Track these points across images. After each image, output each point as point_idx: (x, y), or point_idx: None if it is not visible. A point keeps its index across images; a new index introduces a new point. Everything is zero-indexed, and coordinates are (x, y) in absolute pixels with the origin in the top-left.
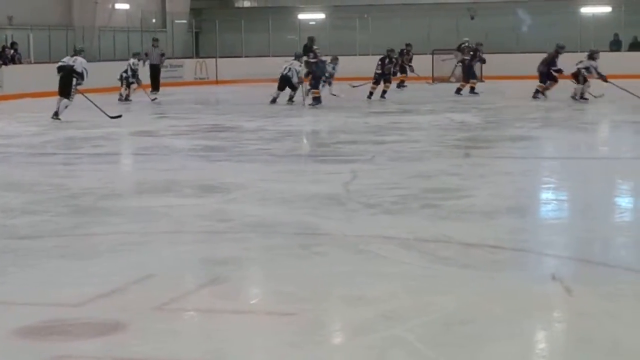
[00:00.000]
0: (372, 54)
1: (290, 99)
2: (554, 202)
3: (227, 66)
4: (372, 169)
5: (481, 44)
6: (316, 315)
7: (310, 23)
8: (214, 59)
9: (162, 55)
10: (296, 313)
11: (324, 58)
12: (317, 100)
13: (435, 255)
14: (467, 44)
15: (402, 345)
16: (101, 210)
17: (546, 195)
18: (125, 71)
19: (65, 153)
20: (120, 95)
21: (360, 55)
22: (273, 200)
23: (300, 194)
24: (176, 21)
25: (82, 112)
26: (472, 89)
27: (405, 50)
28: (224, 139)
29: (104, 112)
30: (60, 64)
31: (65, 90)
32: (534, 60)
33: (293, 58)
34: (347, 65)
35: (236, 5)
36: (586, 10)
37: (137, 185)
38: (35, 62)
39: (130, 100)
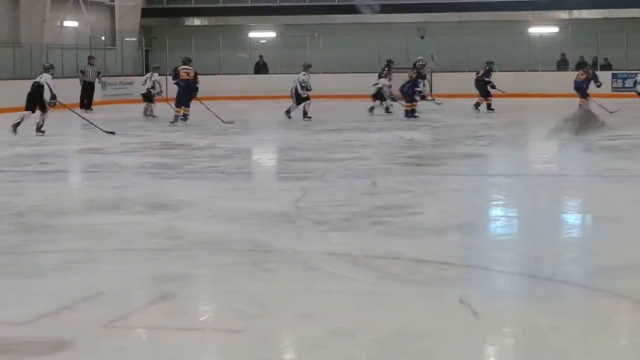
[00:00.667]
0: (323, 72)
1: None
2: (502, 219)
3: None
4: (323, 186)
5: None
6: (265, 332)
7: (261, 41)
8: (164, 77)
9: (99, 73)
10: (245, 330)
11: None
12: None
13: (384, 272)
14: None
15: None
16: (48, 227)
17: (494, 212)
18: (153, 87)
19: (12, 170)
20: (146, 109)
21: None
22: (223, 217)
23: (250, 211)
24: (126, 39)
25: (29, 129)
26: (489, 106)
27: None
28: (174, 156)
29: (98, 127)
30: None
31: (36, 106)
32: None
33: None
34: None
35: (186, 23)
36: (534, 30)
37: (86, 202)
38: None
39: (156, 116)
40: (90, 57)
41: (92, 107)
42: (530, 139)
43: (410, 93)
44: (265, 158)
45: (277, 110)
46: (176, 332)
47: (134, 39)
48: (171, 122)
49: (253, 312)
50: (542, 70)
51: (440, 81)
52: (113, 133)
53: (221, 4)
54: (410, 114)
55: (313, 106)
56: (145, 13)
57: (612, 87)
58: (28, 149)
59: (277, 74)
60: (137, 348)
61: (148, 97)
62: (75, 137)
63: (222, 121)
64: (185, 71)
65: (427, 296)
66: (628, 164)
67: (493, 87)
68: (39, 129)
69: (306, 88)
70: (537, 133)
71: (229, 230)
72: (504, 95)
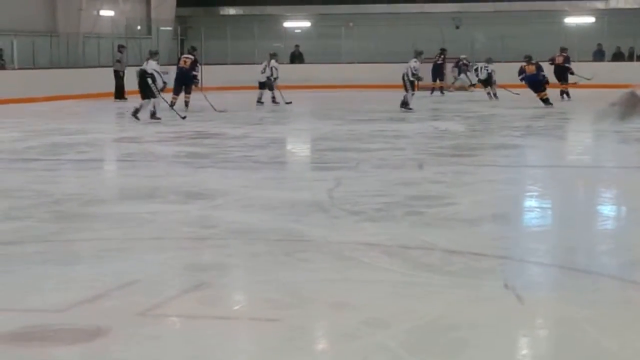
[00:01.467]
0: (358, 62)
1: None
2: (537, 210)
3: (213, 73)
4: (357, 176)
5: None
6: (300, 321)
7: (296, 31)
8: (200, 66)
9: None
10: (279, 319)
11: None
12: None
13: (418, 262)
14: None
15: (385, 352)
16: (84, 216)
17: (529, 203)
18: (271, 74)
19: (49, 159)
20: (260, 97)
21: (346, 63)
22: (257, 207)
23: (284, 201)
24: (161, 28)
25: (68, 118)
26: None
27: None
28: (208, 145)
29: (212, 106)
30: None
31: (145, 93)
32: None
33: None
34: (332, 73)
35: (221, 12)
36: (570, 20)
37: (121, 191)
38: (19, 68)
39: (278, 103)
40: (121, 46)
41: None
42: (566, 130)
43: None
44: (299, 148)
45: (312, 99)
46: (211, 321)
47: (170, 28)
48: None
49: (287, 302)
50: (579, 61)
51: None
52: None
53: None
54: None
55: (349, 96)
56: (181, 2)
57: None
58: (64, 138)
59: (311, 63)
60: (172, 336)
61: (268, 85)
62: (111, 126)
63: (215, 109)
64: (183, 59)
65: (461, 287)
66: None
67: (572, 73)
68: (153, 115)
69: (416, 76)
70: (572, 125)
71: (262, 219)
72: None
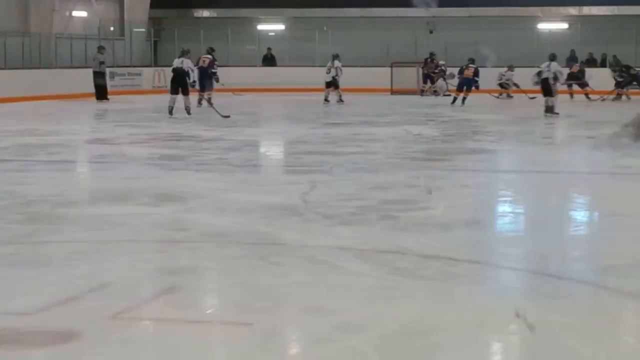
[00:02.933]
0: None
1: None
2: (511, 215)
3: None
4: (331, 179)
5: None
6: (272, 325)
7: (270, 34)
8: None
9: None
10: (252, 323)
11: None
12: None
13: (392, 267)
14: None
15: (359, 357)
16: (56, 218)
17: (503, 208)
18: (337, 74)
19: (20, 160)
20: (327, 95)
21: (319, 66)
22: (231, 210)
23: (258, 204)
24: (135, 29)
25: (40, 119)
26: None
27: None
28: (182, 147)
29: (217, 112)
30: (173, 67)
31: (183, 89)
32: (491, 74)
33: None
34: (306, 76)
35: (195, 15)
36: (543, 26)
37: (93, 193)
38: None
39: (343, 102)
40: (101, 47)
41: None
42: (539, 135)
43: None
44: (273, 151)
45: (285, 102)
46: (183, 325)
47: (143, 29)
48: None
49: (260, 306)
50: None
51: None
52: (228, 117)
53: None
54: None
55: (318, 99)
56: (155, 4)
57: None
58: (36, 139)
59: (285, 66)
60: (144, 340)
61: (334, 84)
62: (84, 127)
63: (221, 115)
64: (202, 58)
65: (435, 292)
66: (637, 161)
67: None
68: (189, 112)
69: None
70: (545, 130)
71: (236, 222)
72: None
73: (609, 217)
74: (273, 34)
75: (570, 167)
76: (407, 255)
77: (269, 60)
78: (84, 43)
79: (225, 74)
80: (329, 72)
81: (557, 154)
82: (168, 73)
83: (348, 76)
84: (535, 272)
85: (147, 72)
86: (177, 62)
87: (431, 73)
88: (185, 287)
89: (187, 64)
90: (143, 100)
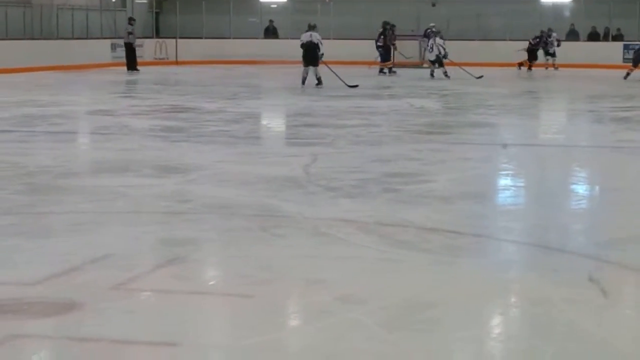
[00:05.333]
0: (333, 38)
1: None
2: (513, 188)
3: (187, 47)
4: (333, 152)
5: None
6: (275, 297)
7: (272, 6)
8: (174, 40)
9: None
10: (254, 295)
11: None
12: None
13: (394, 239)
14: (432, 29)
15: (361, 329)
16: (57, 188)
17: (505, 181)
18: (439, 52)
19: (22, 130)
20: (432, 71)
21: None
22: (233, 182)
23: (260, 176)
24: (136, 1)
25: (41, 89)
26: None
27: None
28: (183, 119)
29: (343, 81)
30: (302, 41)
31: (312, 62)
32: (494, 48)
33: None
34: None
35: None
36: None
37: (95, 164)
38: None
39: (449, 77)
40: (131, 19)
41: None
42: (540, 108)
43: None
44: (275, 123)
45: (287, 75)
46: (185, 296)
47: (145, 1)
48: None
49: (262, 277)
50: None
51: (451, 49)
52: (357, 86)
53: None
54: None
55: (325, 72)
56: None
57: (624, 58)
58: (37, 110)
59: (287, 39)
60: (146, 311)
61: (438, 61)
62: (85, 99)
63: (347, 85)
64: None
65: (437, 265)
66: (638, 135)
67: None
68: (319, 82)
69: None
70: (546, 104)
71: (238, 194)
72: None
73: (611, 190)
74: (275, 6)
75: (572, 141)
76: (409, 228)
77: (271, 32)
78: (85, 14)
79: (228, 46)
80: (431, 50)
81: (558, 127)
82: (169, 44)
83: (350, 49)
84: (537, 246)
85: (149, 43)
86: (305, 37)
87: (391, 44)
88: (187, 259)
89: (315, 37)
90: (145, 71)
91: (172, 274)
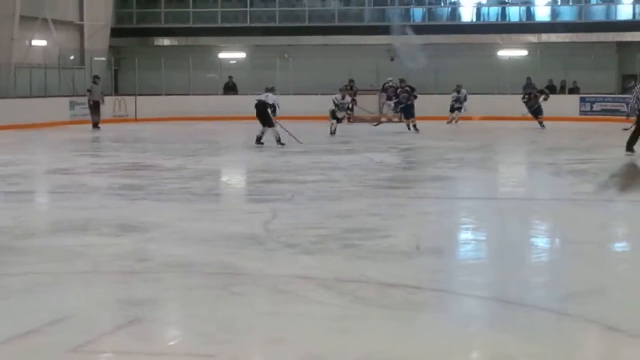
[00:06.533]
0: (293, 94)
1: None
2: (472, 242)
3: (147, 104)
4: (292, 208)
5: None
6: (235, 356)
7: (231, 62)
8: (134, 97)
9: (102, 94)
10: (215, 355)
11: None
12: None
13: (354, 296)
14: (390, 84)
15: None
16: (15, 249)
17: (464, 235)
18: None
19: None
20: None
21: (280, 94)
22: (192, 239)
23: (219, 233)
24: (95, 58)
25: (0, 149)
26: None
27: (348, 86)
28: (143, 177)
29: (295, 138)
30: (255, 101)
31: (265, 122)
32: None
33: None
34: None
35: (156, 43)
36: (503, 53)
37: (53, 224)
38: None
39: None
40: (96, 77)
41: (99, 125)
42: (499, 162)
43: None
44: (234, 179)
45: (246, 131)
46: (145, 357)
47: (103, 58)
48: None
49: (223, 337)
50: (511, 93)
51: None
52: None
53: (191, 24)
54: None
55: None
56: (115, 33)
57: (580, 111)
58: None
59: (246, 94)
60: None
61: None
62: (44, 157)
63: (298, 141)
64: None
65: (398, 320)
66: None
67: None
68: (279, 142)
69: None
70: (504, 157)
71: (198, 252)
72: (471, 117)
73: (570, 243)
74: (234, 62)
75: (531, 194)
76: (369, 284)
77: (230, 88)
78: (44, 72)
79: (188, 103)
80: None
81: (517, 180)
82: (129, 101)
83: (309, 104)
84: (497, 300)
85: (108, 101)
86: (260, 97)
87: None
88: (147, 319)
89: (271, 97)
90: (104, 129)
91: (131, 334)
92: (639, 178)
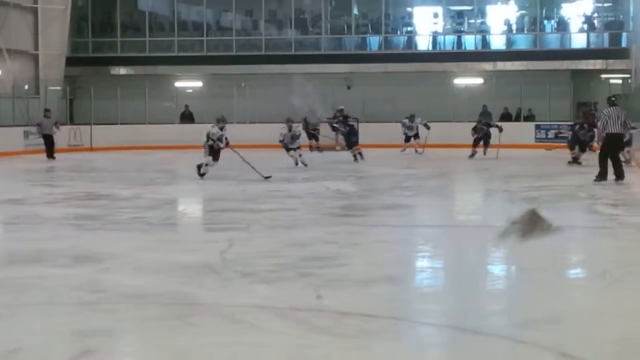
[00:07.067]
0: (250, 122)
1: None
2: (428, 270)
3: (103, 133)
4: (249, 237)
5: None
6: None
7: (188, 91)
8: (89, 126)
9: (56, 124)
10: None
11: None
12: None
13: (310, 324)
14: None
15: None
16: None
17: (420, 263)
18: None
19: None
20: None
21: (237, 123)
22: (148, 269)
23: (175, 264)
24: (50, 88)
25: None
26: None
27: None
28: (98, 207)
29: (258, 172)
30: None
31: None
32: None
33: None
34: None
35: (112, 72)
36: (459, 81)
37: (6, 255)
38: None
39: None
40: (46, 110)
41: (55, 155)
42: (455, 190)
43: None
44: (190, 209)
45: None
46: None
47: (58, 87)
48: None
49: None
50: (468, 121)
51: (367, 131)
52: (269, 177)
53: (147, 54)
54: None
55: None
56: (70, 62)
57: (536, 138)
58: None
59: (203, 123)
60: None
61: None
62: None
63: (262, 176)
64: None
65: (354, 349)
66: (550, 214)
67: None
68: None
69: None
70: (461, 184)
71: (153, 283)
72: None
73: (526, 271)
74: (191, 90)
75: (487, 221)
76: (325, 313)
77: (187, 117)
78: None
79: (144, 132)
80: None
81: (473, 208)
82: (84, 130)
83: (266, 133)
84: (453, 328)
85: (63, 130)
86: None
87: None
88: (101, 351)
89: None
90: (59, 158)
91: None
92: (540, 225)
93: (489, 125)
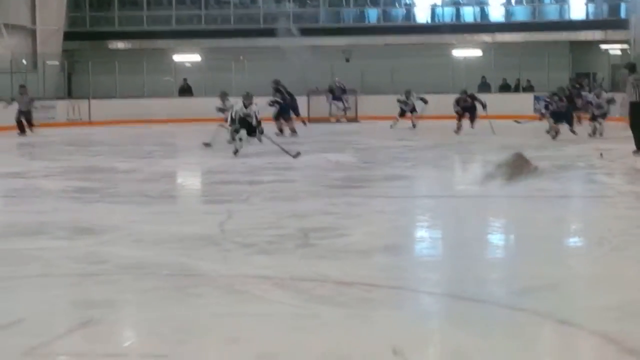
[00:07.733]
0: None
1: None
2: (428, 240)
3: (101, 107)
4: (248, 209)
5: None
6: (191, 357)
7: (186, 65)
8: (87, 100)
9: (32, 100)
10: (170, 355)
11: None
12: None
13: (310, 295)
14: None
15: None
16: None
17: (420, 233)
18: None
19: None
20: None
21: (236, 96)
22: (147, 241)
23: (175, 235)
24: (48, 62)
25: None
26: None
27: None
28: (97, 180)
29: (286, 151)
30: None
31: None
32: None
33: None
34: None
35: (110, 46)
36: (458, 53)
37: (6, 227)
38: None
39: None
40: (21, 86)
41: (33, 129)
42: (455, 160)
43: None
44: (190, 181)
45: (202, 133)
46: (100, 359)
47: (56, 62)
48: None
49: (178, 338)
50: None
51: (366, 103)
52: (299, 154)
53: (145, 27)
54: None
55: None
56: (68, 36)
57: (534, 109)
58: None
59: (201, 96)
60: None
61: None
62: None
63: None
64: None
65: (354, 318)
66: (550, 184)
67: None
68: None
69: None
70: (460, 155)
71: (153, 254)
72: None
73: (525, 239)
74: (189, 64)
75: (486, 191)
76: (325, 283)
77: (185, 91)
78: None
79: (142, 105)
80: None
81: (472, 178)
82: (82, 105)
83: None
84: (453, 296)
85: (62, 104)
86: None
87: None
88: (102, 321)
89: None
90: (57, 133)
91: (86, 336)
92: (526, 167)
93: (474, 99)
